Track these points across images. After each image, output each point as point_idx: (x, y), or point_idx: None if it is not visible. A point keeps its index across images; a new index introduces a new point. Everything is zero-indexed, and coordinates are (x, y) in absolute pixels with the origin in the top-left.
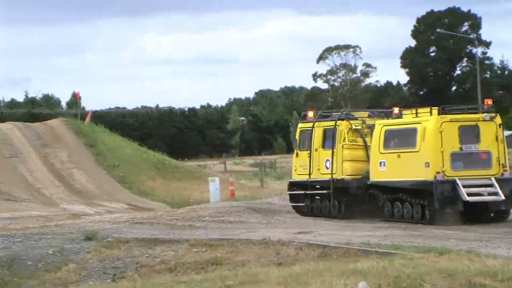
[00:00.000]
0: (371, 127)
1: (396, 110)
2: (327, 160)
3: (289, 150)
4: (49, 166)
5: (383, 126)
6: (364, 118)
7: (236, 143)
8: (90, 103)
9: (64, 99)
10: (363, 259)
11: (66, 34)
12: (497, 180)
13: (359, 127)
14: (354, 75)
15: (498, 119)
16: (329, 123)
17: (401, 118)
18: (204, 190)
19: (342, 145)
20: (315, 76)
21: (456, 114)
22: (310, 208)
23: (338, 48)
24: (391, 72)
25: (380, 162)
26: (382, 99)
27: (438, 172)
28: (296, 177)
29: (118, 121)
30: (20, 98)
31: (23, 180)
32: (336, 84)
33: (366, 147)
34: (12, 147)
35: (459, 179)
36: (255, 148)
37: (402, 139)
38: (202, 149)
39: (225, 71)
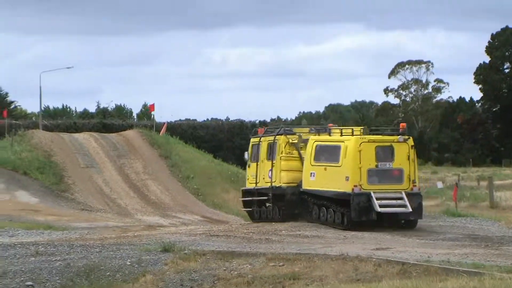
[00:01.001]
0: (306, 142)
1: (330, 126)
2: (270, 170)
3: None
4: (124, 177)
5: (314, 141)
6: (301, 133)
7: None
8: (160, 114)
9: (136, 110)
10: (448, 278)
11: (138, 45)
12: (407, 194)
13: (296, 141)
14: (426, 91)
15: (411, 141)
16: (271, 138)
17: (331, 135)
18: None
19: (280, 157)
20: (386, 91)
21: (373, 136)
22: (258, 213)
23: (410, 63)
24: (464, 88)
25: (311, 173)
26: (455, 115)
27: (355, 185)
28: (247, 186)
29: (189, 133)
30: (92, 108)
31: (98, 190)
32: (407, 99)
33: (301, 159)
34: (88, 157)
35: (373, 192)
36: None
37: (329, 154)
38: None
39: (295, 85)
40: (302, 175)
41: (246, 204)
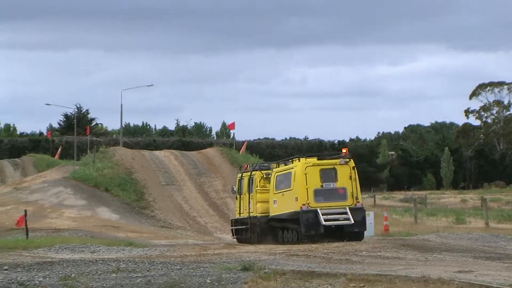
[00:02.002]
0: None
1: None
2: (250, 201)
3: (439, 186)
4: (204, 195)
5: (275, 172)
6: (274, 168)
7: (385, 177)
8: (239, 133)
9: (215, 128)
10: None
11: (218, 63)
12: (351, 209)
13: (270, 176)
14: (508, 112)
15: (352, 163)
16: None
17: (288, 165)
18: None
19: (256, 190)
20: (467, 112)
21: (318, 160)
22: (244, 238)
23: (492, 84)
24: None
25: (274, 201)
26: None
27: (304, 204)
28: (236, 216)
29: (268, 152)
30: (172, 126)
31: (178, 208)
32: (488, 121)
33: None
34: (169, 174)
35: (320, 209)
36: (404, 183)
37: (284, 181)
38: None
39: (375, 105)
40: (269, 203)
41: (235, 231)
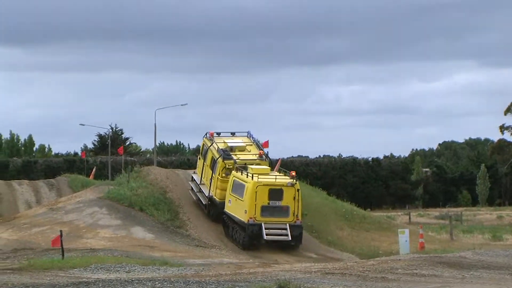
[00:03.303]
0: (241, 169)
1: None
2: (211, 178)
3: (475, 202)
4: None
5: (233, 176)
6: (236, 159)
7: (420, 194)
8: (273, 151)
9: None
10: None
11: (250, 82)
12: (291, 225)
13: (231, 167)
14: None
15: (297, 186)
16: (216, 154)
17: (242, 174)
18: (393, 241)
19: (217, 177)
20: (502, 128)
21: (268, 180)
22: (198, 199)
23: None
24: None
25: (229, 200)
26: None
27: (251, 217)
28: (198, 175)
29: (301, 170)
30: None
31: (212, 226)
32: None
33: None
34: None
35: (264, 223)
36: (439, 200)
37: (239, 190)
38: (385, 199)
39: (408, 122)
40: (226, 200)
41: (194, 189)
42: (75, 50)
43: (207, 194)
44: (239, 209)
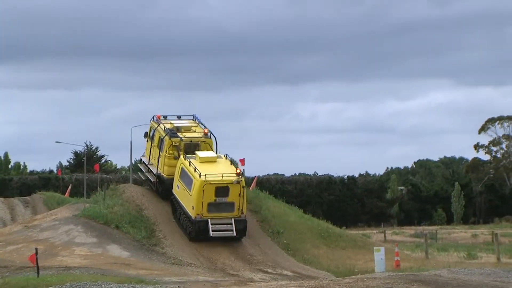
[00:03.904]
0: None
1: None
2: (158, 156)
3: (450, 221)
4: None
5: (181, 163)
6: (182, 137)
7: (395, 212)
8: (249, 169)
9: None
10: None
11: (227, 100)
12: (236, 220)
13: (177, 144)
14: None
15: (243, 183)
16: (162, 133)
17: (190, 164)
18: (369, 259)
19: (165, 155)
20: (476, 147)
21: (215, 179)
22: (151, 186)
23: (501, 119)
24: None
25: (177, 185)
26: None
27: (198, 214)
28: (146, 156)
29: (277, 188)
30: None
31: (188, 244)
32: (498, 155)
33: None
34: None
35: (211, 219)
36: (414, 218)
37: (187, 180)
38: (361, 217)
39: (383, 140)
40: (173, 183)
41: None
42: (51, 67)
43: (155, 172)
44: (186, 200)
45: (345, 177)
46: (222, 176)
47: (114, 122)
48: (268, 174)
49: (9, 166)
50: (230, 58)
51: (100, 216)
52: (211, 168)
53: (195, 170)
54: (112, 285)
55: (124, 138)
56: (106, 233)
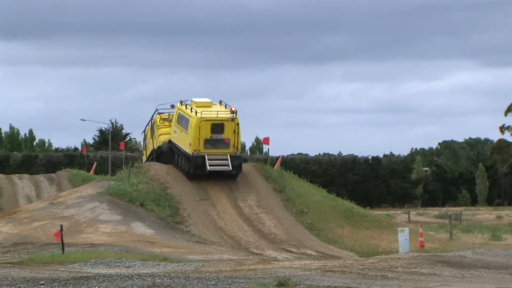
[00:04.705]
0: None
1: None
2: (154, 141)
3: (474, 202)
4: (238, 210)
5: (178, 109)
6: (171, 112)
7: (420, 193)
8: (273, 148)
9: (248, 143)
10: None
11: (251, 79)
12: (231, 156)
13: (167, 116)
14: None
15: (237, 120)
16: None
17: (186, 108)
18: (393, 240)
19: (158, 127)
20: (502, 128)
21: (210, 115)
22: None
23: None
24: None
25: (175, 130)
26: None
27: (195, 150)
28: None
29: (302, 168)
30: None
31: (212, 223)
32: None
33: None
34: (203, 190)
35: (207, 155)
36: (439, 199)
37: (183, 122)
38: (385, 198)
39: (407, 121)
40: (171, 131)
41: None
42: (76, 44)
43: (152, 148)
44: (184, 140)
45: (370, 157)
46: (217, 113)
47: (138, 100)
48: (292, 154)
49: (34, 143)
50: (255, 36)
51: (124, 193)
52: (207, 110)
53: (191, 110)
54: (136, 263)
55: (148, 116)
56: (131, 211)
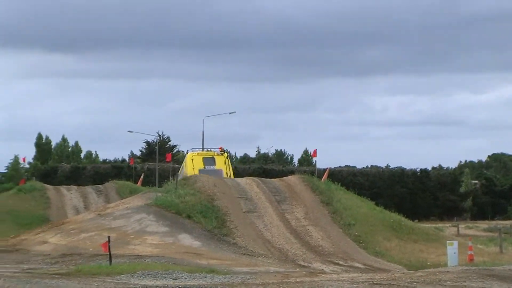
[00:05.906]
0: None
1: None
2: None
3: None
4: (285, 222)
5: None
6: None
7: (469, 206)
8: (320, 161)
9: (296, 156)
10: None
11: (296, 92)
12: None
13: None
14: None
15: (225, 154)
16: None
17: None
18: (441, 253)
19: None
20: None
21: (201, 152)
22: None
23: None
24: None
25: (180, 174)
26: None
27: None
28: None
29: (349, 180)
30: (253, 153)
31: (259, 235)
32: None
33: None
34: (250, 201)
35: None
36: (488, 212)
37: (183, 165)
38: (433, 211)
39: (455, 134)
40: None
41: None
42: (121, 57)
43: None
44: (185, 174)
45: (418, 170)
46: (207, 150)
47: (182, 112)
48: (339, 166)
49: (81, 155)
50: (297, 49)
51: (171, 205)
52: (201, 152)
53: (186, 152)
54: (183, 274)
55: (192, 128)
56: (178, 223)
